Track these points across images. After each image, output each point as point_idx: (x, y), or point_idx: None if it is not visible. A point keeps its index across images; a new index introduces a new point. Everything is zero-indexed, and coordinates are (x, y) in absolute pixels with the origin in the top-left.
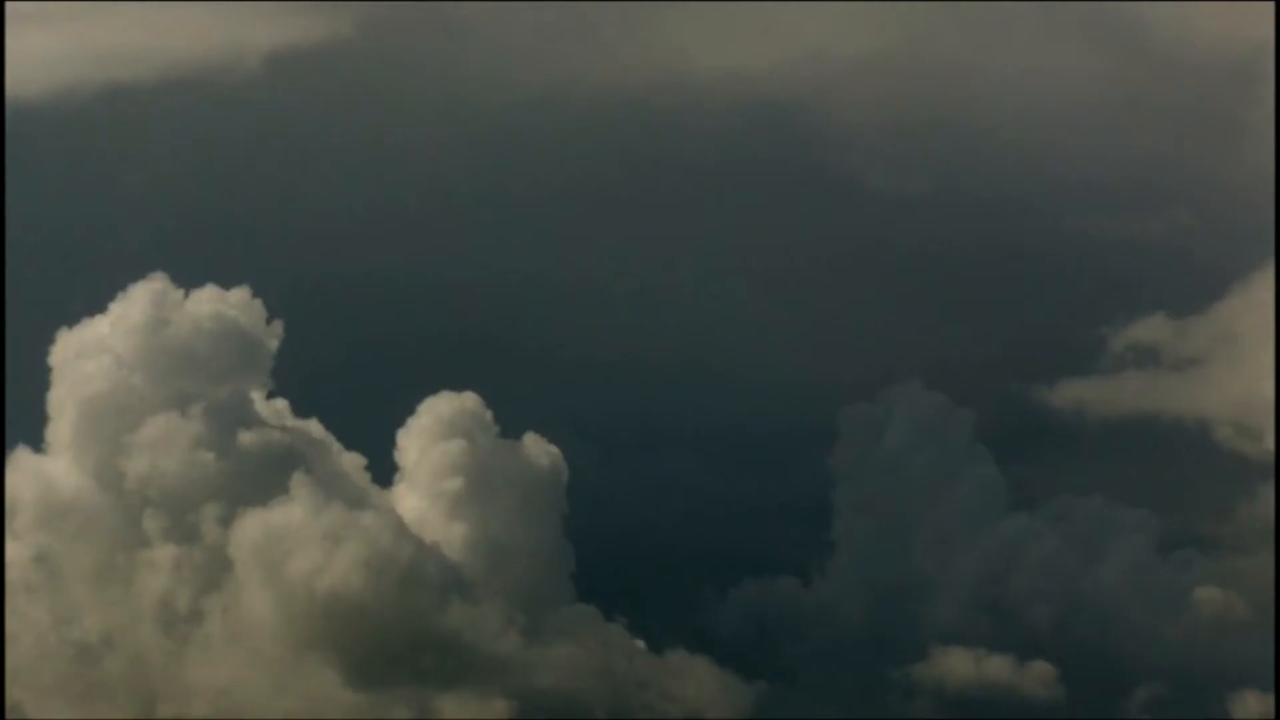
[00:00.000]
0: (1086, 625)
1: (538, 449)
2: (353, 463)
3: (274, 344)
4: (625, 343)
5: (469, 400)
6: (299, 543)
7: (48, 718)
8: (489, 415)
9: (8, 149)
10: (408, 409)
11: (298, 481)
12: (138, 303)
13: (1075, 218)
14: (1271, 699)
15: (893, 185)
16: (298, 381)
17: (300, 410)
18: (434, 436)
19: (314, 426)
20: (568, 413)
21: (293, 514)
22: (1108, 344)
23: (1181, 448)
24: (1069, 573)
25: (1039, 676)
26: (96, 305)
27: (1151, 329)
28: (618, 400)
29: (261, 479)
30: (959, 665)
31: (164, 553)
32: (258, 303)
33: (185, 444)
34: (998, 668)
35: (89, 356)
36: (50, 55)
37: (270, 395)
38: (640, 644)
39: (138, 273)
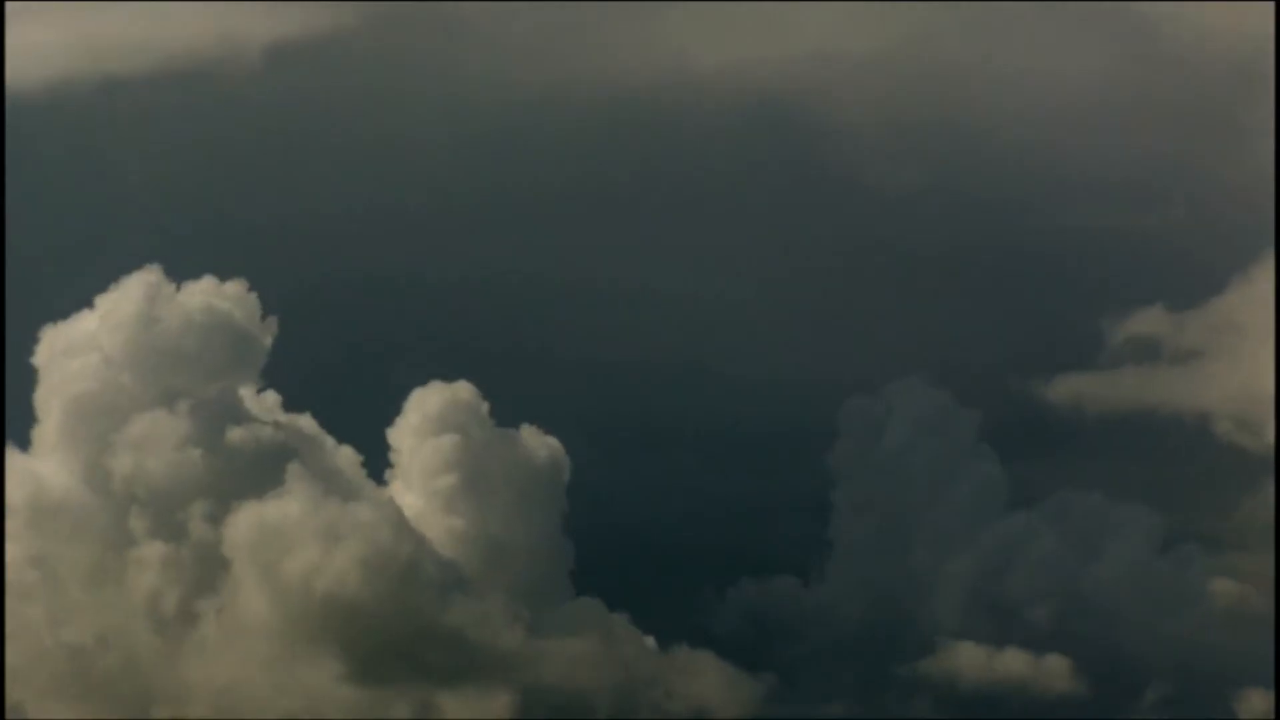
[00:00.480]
0: (1087, 622)
1: (536, 441)
2: (347, 458)
3: (268, 340)
4: (625, 343)
5: (463, 390)
6: (295, 539)
7: (47, 718)
8: (485, 407)
9: (5, 143)
10: (403, 406)
11: (292, 475)
12: (128, 297)
13: (1075, 216)
14: (1272, 696)
15: (893, 184)
16: (291, 377)
17: (293, 405)
18: (429, 430)
19: (306, 421)
20: (568, 412)
21: (288, 509)
22: (1106, 338)
23: (1181, 442)
24: (1069, 570)
25: (1053, 670)
26: (87, 301)
27: (1150, 322)
28: (618, 400)
29: (251, 475)
30: (969, 660)
31: (153, 551)
32: (252, 296)
33: (173, 441)
34: (1009, 662)
35: (75, 354)
36: (47, 48)
37: (261, 390)
38: (647, 639)
39: (132, 268)
